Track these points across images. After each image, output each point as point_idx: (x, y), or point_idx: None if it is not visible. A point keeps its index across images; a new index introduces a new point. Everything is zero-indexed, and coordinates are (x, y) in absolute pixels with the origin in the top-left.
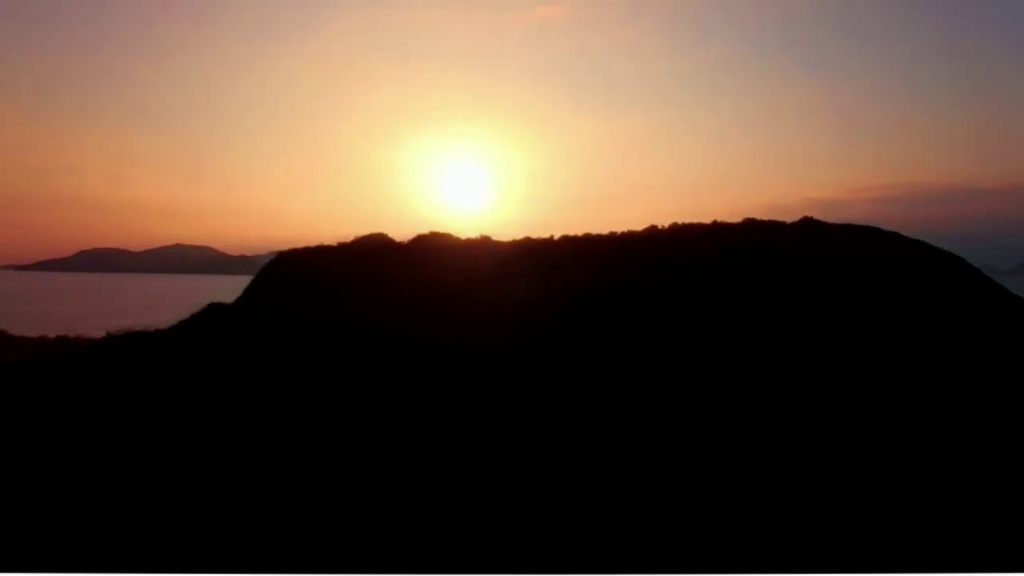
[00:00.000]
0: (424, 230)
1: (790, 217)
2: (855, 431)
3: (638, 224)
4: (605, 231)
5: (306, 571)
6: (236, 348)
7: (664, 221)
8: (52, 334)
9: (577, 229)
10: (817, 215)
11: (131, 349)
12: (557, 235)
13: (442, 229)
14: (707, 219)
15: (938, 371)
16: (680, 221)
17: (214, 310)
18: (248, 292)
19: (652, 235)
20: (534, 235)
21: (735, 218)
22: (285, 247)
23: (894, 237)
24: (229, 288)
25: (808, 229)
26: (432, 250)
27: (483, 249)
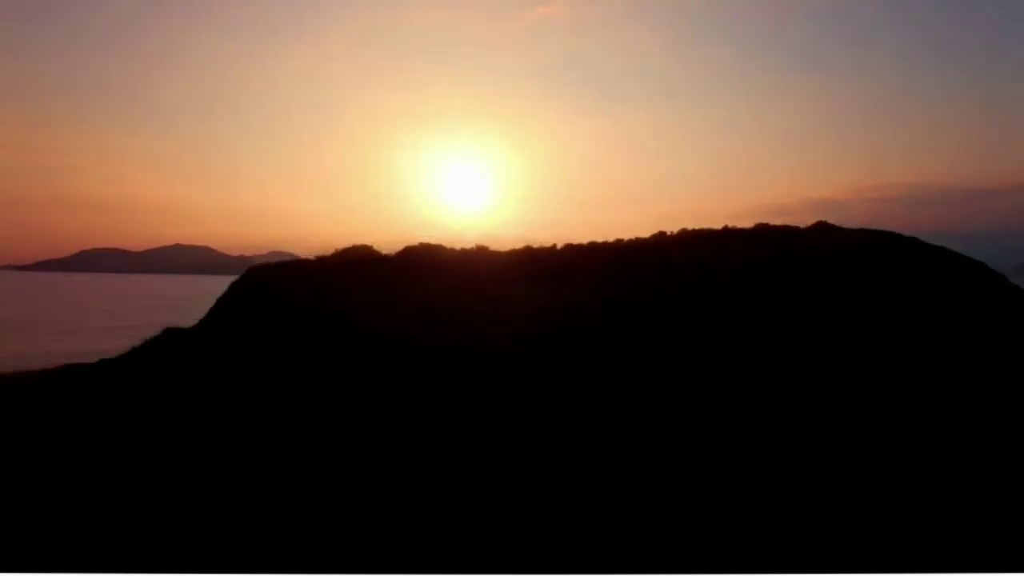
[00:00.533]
0: (424, 231)
1: (790, 217)
2: (879, 441)
3: (641, 226)
4: (608, 234)
5: (306, 571)
6: (194, 379)
7: (664, 221)
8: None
9: (578, 230)
10: (817, 215)
11: (62, 389)
12: (560, 241)
13: (442, 230)
14: (708, 219)
15: (963, 378)
16: (681, 221)
17: (170, 336)
18: (211, 314)
19: (660, 242)
20: (534, 235)
21: (737, 219)
22: (285, 247)
23: (912, 243)
24: None
25: (823, 234)
26: (421, 264)
27: (478, 261)
